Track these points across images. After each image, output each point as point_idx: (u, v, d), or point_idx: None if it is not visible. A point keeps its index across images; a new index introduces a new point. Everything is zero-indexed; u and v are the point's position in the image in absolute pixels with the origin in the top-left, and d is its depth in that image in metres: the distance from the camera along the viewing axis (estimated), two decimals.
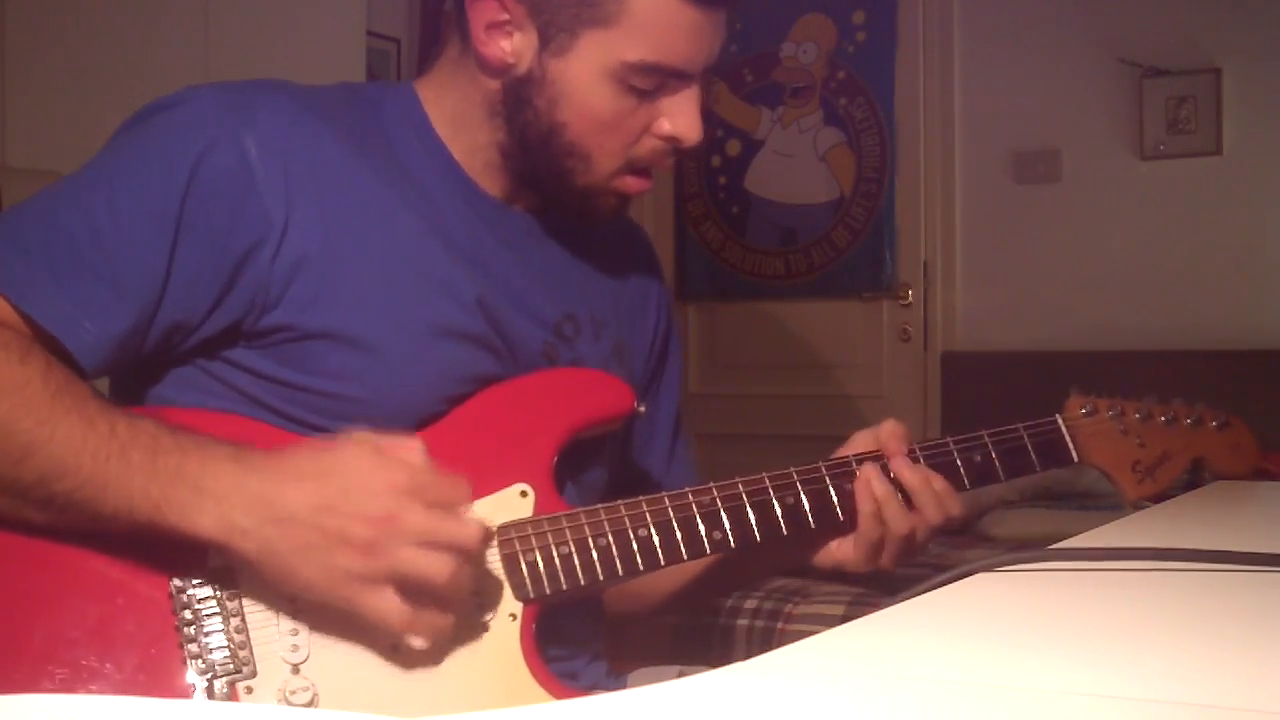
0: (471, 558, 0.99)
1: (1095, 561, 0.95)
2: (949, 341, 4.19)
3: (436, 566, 0.95)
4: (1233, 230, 3.80)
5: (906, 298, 4.24)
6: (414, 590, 0.95)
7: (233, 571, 0.98)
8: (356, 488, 0.95)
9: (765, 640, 2.47)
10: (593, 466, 1.19)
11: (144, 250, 1.01)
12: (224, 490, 0.94)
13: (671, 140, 1.12)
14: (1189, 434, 1.25)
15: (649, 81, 1.09)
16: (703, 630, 2.40)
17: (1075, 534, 1.13)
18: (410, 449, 0.98)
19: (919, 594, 0.86)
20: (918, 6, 4.21)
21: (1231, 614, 0.83)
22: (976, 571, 0.92)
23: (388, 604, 0.95)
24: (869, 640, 0.77)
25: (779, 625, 2.51)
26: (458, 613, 0.99)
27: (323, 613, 0.98)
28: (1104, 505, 2.94)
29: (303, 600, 0.98)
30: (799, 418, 4.22)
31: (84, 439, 0.94)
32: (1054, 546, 1.01)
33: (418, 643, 0.98)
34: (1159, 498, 1.30)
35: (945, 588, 0.88)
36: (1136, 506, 1.35)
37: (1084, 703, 0.62)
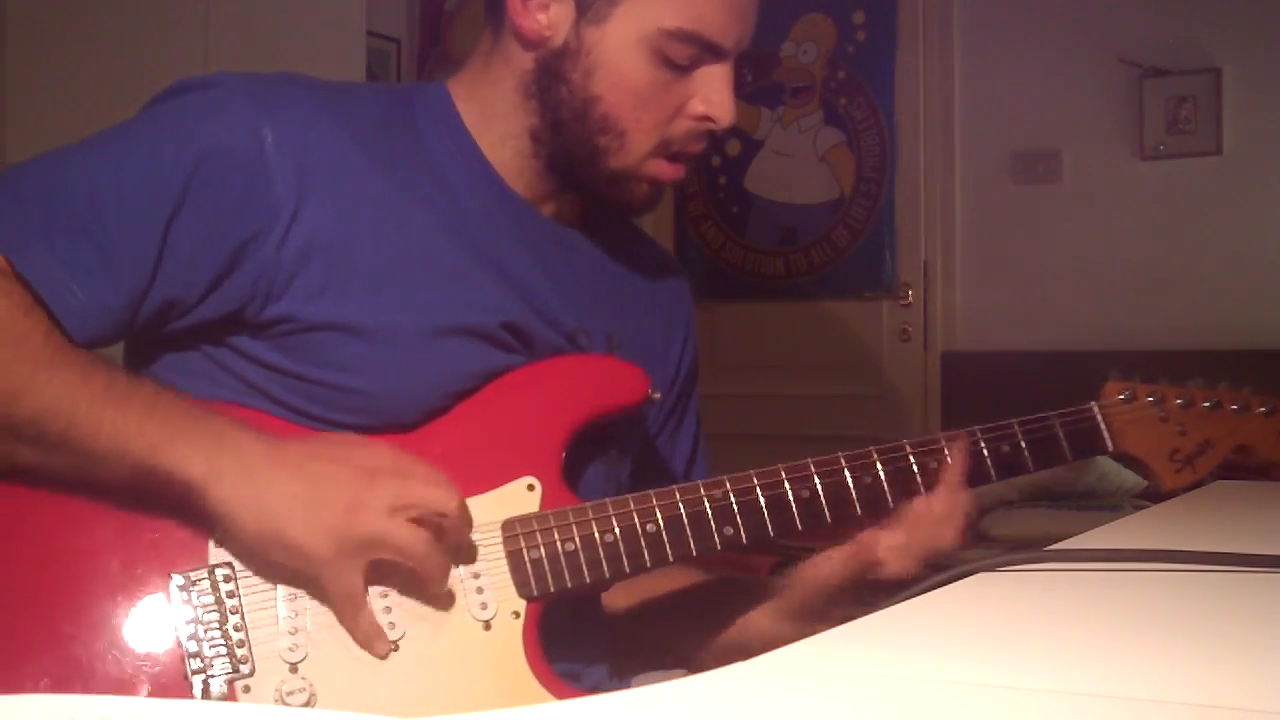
0: (450, 536, 0.99)
1: (1095, 561, 0.95)
2: (949, 341, 4.19)
3: (413, 540, 0.96)
4: (1233, 230, 3.80)
5: (906, 298, 4.24)
6: (390, 569, 0.97)
7: (232, 570, 0.98)
8: (347, 447, 0.99)
9: None
10: (616, 456, 1.18)
11: (138, 220, 1.01)
12: (220, 439, 0.96)
13: (704, 120, 1.13)
14: (1233, 420, 1.19)
15: (685, 53, 1.09)
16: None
17: (1075, 534, 1.13)
18: (398, 447, 1.01)
19: (919, 594, 0.86)
20: (918, 6, 4.21)
21: (1231, 614, 0.83)
22: (976, 571, 0.92)
23: (356, 584, 0.97)
24: (869, 640, 0.77)
25: None
26: (431, 609, 0.99)
27: (321, 610, 0.98)
28: (1104, 505, 2.93)
29: (294, 583, 0.98)
30: (799, 418, 4.22)
31: (83, 384, 0.95)
32: (1054, 547, 1.01)
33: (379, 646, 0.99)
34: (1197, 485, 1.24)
35: (945, 588, 0.88)
36: (1171, 495, 1.30)
37: (1084, 703, 0.62)
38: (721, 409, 4.41)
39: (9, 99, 2.73)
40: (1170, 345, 3.74)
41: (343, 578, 0.96)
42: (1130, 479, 3.05)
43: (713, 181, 4.52)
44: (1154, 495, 2.89)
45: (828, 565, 1.13)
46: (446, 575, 1.00)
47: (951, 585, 0.88)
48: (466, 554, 1.02)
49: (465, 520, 1.01)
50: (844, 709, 0.63)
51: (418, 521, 0.97)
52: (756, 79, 4.43)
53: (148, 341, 1.08)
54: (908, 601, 0.85)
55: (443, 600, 1.01)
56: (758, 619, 1.19)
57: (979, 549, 2.78)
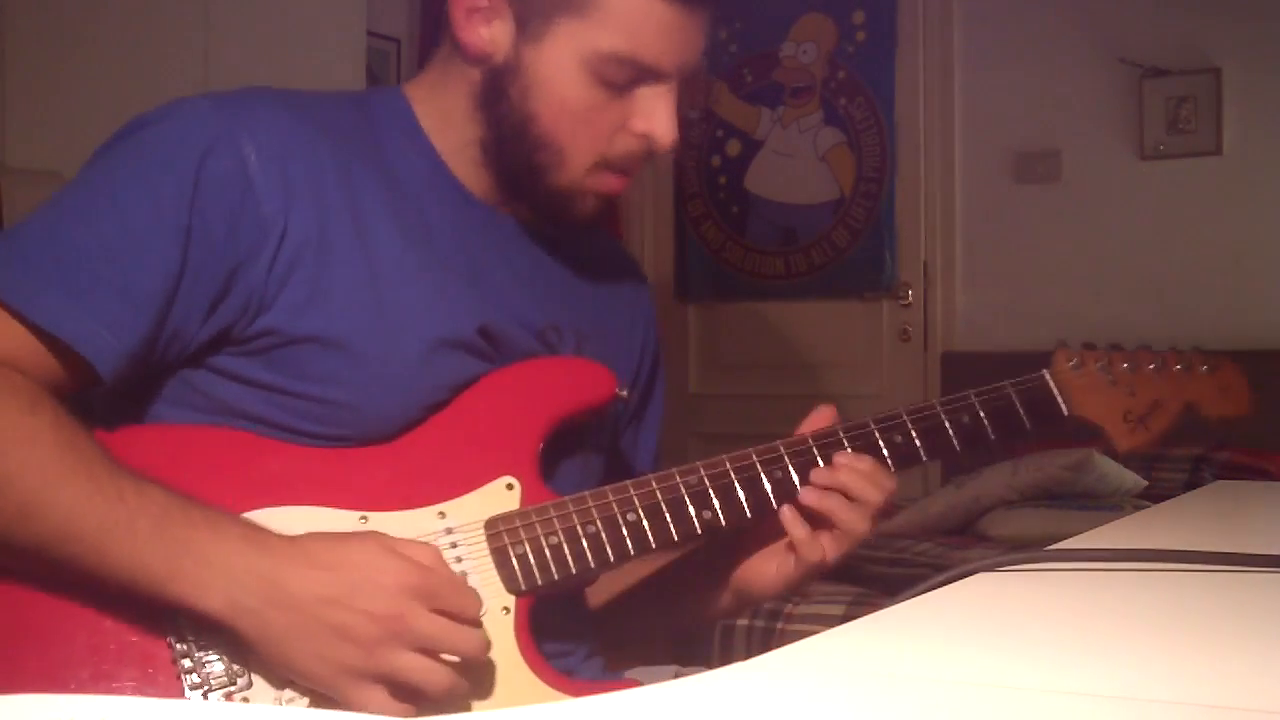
0: (475, 668, 0.97)
1: (1095, 561, 0.95)
2: (949, 341, 4.19)
3: (434, 677, 0.94)
4: (1233, 230, 3.80)
5: (906, 298, 4.24)
6: (406, 693, 0.95)
7: None
8: (367, 583, 0.94)
9: (765, 640, 2.47)
10: (588, 454, 1.18)
11: (157, 261, 1.01)
12: (232, 568, 0.93)
13: (645, 139, 1.11)
14: (1179, 379, 1.22)
15: (622, 75, 1.08)
16: (702, 630, 2.40)
17: (1075, 534, 1.13)
18: (424, 551, 0.97)
19: (919, 594, 0.86)
20: (918, 6, 4.21)
21: (1231, 614, 0.83)
22: (976, 571, 0.92)
23: (378, 702, 0.94)
24: (869, 640, 0.77)
25: (779, 625, 2.51)
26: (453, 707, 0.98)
27: None
28: (1104, 505, 2.94)
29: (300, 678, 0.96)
30: (799, 418, 4.20)
31: (90, 503, 0.92)
32: (1054, 547, 1.01)
33: None
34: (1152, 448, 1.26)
35: (945, 588, 0.88)
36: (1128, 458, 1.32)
37: (1083, 703, 0.62)
38: (721, 409, 4.42)
39: (9, 99, 2.73)
40: (1170, 345, 3.74)
41: (363, 704, 0.95)
42: (1130, 479, 3.06)
43: (713, 181, 4.52)
44: (1154, 495, 2.90)
45: (770, 569, 1.16)
46: (459, 701, 0.98)
47: (951, 585, 0.89)
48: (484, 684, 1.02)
49: (486, 652, 0.99)
50: (844, 709, 0.63)
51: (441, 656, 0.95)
52: (756, 79, 4.43)
53: None
54: (908, 601, 0.85)
55: None
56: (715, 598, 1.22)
57: (979, 549, 2.79)
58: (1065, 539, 1.09)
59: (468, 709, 0.99)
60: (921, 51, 4.21)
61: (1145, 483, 3.06)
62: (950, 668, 0.70)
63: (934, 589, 0.87)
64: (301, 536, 0.96)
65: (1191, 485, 3.02)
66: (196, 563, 0.93)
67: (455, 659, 0.96)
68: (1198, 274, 3.82)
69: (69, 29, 2.85)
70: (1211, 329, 3.73)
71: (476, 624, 0.98)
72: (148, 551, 0.92)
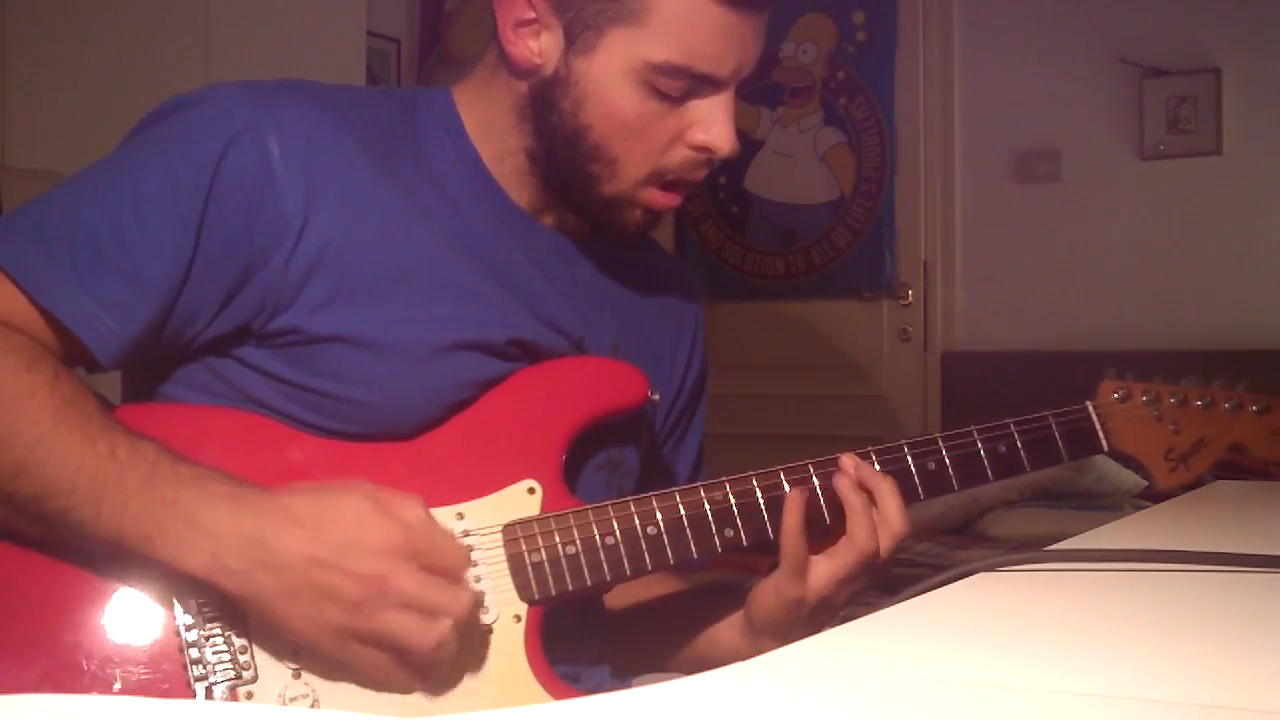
0: (461, 626, 0.97)
1: (1095, 561, 0.95)
2: (949, 341, 4.19)
3: (421, 633, 0.94)
4: (1233, 230, 3.80)
5: (906, 298, 4.24)
6: (397, 652, 0.95)
7: None
8: (352, 543, 0.93)
9: None
10: (618, 462, 1.17)
11: (168, 250, 1.01)
12: (218, 529, 0.93)
13: (703, 150, 1.09)
14: (1227, 419, 1.19)
15: (676, 85, 1.06)
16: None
17: (1075, 534, 1.13)
18: (410, 505, 0.96)
19: (919, 594, 0.86)
20: (918, 6, 4.21)
21: (1232, 614, 0.83)
22: (976, 571, 0.92)
23: (371, 660, 0.95)
24: (869, 640, 0.77)
25: None
26: (444, 669, 0.98)
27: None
28: (1104, 505, 2.94)
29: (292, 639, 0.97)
30: (799, 418, 4.22)
31: (82, 459, 0.93)
32: (1054, 547, 1.01)
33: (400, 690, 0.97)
34: (1191, 486, 1.24)
35: (945, 588, 0.88)
36: (1165, 495, 1.30)
37: (1083, 703, 0.62)
38: (721, 409, 4.39)
39: (9, 99, 2.74)
40: (1170, 345, 3.74)
41: (356, 662, 0.96)
42: (1130, 479, 3.06)
43: (713, 181, 4.51)
44: (1154, 495, 2.89)
45: (775, 590, 1.11)
46: (451, 658, 0.97)
47: (951, 585, 0.88)
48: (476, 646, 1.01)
49: (475, 613, 0.99)
50: (845, 709, 0.63)
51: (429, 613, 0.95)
52: (756, 79, 4.41)
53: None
54: (908, 601, 0.85)
55: None
56: (725, 633, 1.18)
57: (979, 549, 2.79)
58: (1065, 539, 1.09)
59: (464, 692, 0.98)
60: (921, 51, 4.21)
61: (1145, 483, 3.06)
62: (950, 668, 0.70)
63: (934, 589, 0.87)
64: (286, 492, 0.96)
65: (1192, 485, 3.01)
66: (183, 523, 0.93)
67: (444, 618, 0.95)
68: (1198, 274, 3.82)
69: (69, 29, 2.85)
70: (1211, 329, 3.74)
71: (462, 581, 0.97)
72: (135, 509, 0.92)
